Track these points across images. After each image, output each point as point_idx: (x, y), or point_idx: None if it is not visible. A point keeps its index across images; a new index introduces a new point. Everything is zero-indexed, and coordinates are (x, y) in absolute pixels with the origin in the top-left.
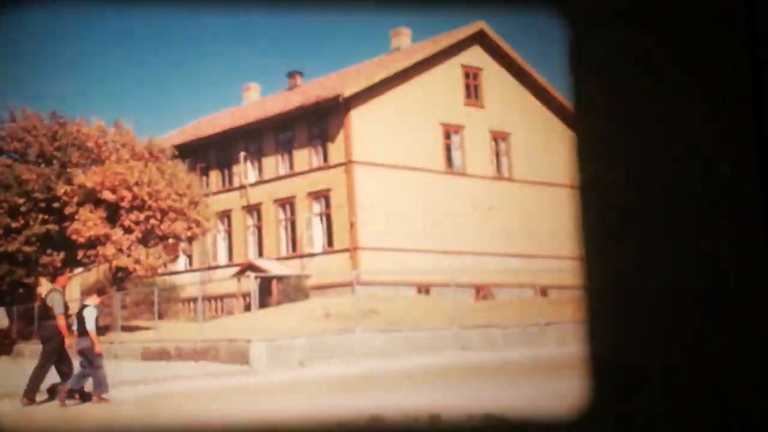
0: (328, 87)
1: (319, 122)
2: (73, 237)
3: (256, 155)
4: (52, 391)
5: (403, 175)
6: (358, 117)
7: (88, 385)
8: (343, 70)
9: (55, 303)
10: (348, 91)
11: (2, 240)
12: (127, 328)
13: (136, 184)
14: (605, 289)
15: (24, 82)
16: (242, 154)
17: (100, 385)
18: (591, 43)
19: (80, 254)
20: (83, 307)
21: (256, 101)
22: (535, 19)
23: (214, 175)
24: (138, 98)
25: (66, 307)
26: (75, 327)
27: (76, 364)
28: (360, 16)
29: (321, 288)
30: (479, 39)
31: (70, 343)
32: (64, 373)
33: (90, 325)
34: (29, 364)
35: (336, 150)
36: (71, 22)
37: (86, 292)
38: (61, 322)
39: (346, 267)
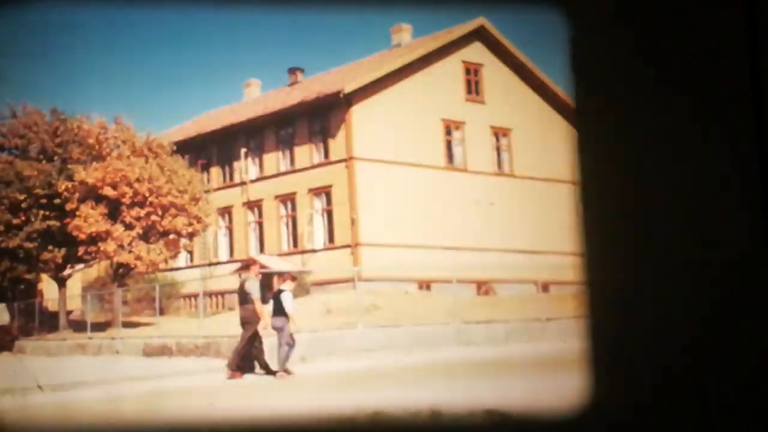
0: (328, 83)
1: (320, 118)
2: (74, 233)
3: (257, 151)
4: (267, 367)
5: (404, 171)
6: (359, 113)
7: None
8: (344, 66)
9: (253, 289)
10: (349, 87)
11: (3, 236)
12: (128, 324)
13: (137, 180)
14: (606, 285)
15: (25, 78)
16: (243, 150)
17: (286, 360)
18: (592, 40)
19: (81, 250)
20: (279, 291)
21: (257, 97)
22: (536, 17)
23: (215, 171)
24: (138, 94)
25: (261, 293)
26: (270, 308)
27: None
28: (361, 12)
29: (322, 284)
30: (480, 35)
31: (267, 324)
32: (260, 350)
33: (289, 307)
34: (30, 361)
35: (337, 146)
36: (71, 19)
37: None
38: (259, 306)
39: (347, 263)
